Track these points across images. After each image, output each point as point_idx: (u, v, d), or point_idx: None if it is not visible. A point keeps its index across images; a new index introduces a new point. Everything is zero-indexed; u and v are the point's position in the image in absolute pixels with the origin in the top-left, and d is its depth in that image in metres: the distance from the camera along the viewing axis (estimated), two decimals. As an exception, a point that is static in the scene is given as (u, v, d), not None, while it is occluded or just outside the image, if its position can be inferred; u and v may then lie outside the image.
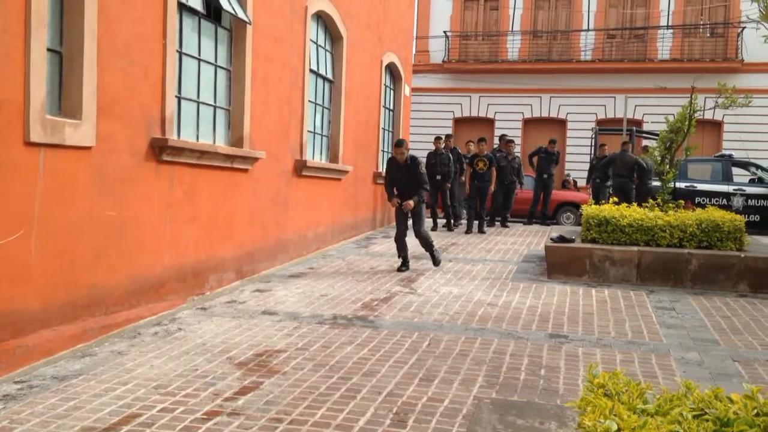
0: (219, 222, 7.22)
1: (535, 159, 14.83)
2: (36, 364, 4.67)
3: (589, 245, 8.36)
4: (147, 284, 6.04)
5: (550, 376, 4.74)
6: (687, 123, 10.14)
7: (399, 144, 8.66)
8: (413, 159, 8.59)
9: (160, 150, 6.07)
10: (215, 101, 7.33)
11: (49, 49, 4.88)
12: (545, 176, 14.58)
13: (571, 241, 8.58)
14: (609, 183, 14.70)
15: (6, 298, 4.50)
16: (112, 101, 5.47)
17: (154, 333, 5.58)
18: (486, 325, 6.08)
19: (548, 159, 14.60)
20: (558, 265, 8.35)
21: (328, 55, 10.59)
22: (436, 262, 8.79)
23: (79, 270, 5.18)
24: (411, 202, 8.44)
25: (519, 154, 14.76)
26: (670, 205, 9.68)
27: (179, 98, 6.62)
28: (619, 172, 13.07)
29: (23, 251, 4.62)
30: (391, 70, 13.94)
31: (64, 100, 5.13)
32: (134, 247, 5.83)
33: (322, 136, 10.50)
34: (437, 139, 13.07)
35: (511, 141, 14.01)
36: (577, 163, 21.64)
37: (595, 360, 5.15)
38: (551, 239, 8.72)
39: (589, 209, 8.89)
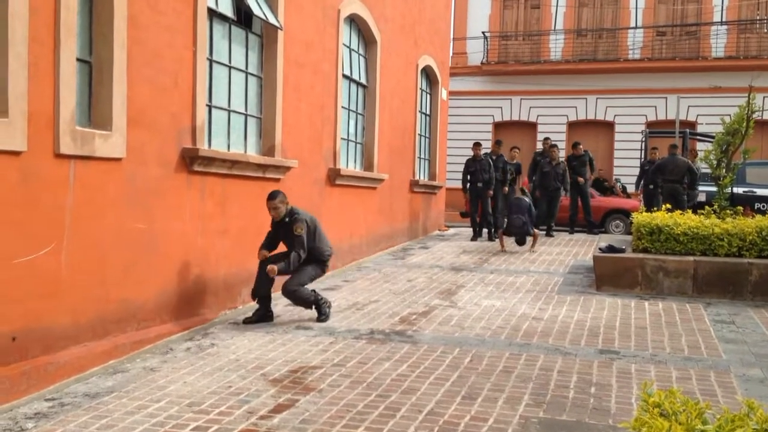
0: (251, 234, 7.30)
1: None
2: (67, 380, 4.78)
3: (640, 255, 8.24)
4: (178, 298, 6.14)
5: (601, 394, 4.68)
6: (745, 124, 9.94)
7: (271, 197, 6.62)
8: (291, 215, 6.65)
9: (190, 160, 6.18)
10: (246, 109, 7.44)
11: (78, 59, 5.02)
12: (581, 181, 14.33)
13: (622, 251, 8.47)
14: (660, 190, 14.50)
15: (36, 314, 4.62)
16: (141, 111, 5.60)
17: (187, 349, 5.67)
18: (531, 341, 6.03)
19: (580, 163, 14.34)
20: (607, 276, 8.25)
21: (362, 60, 10.67)
22: (321, 315, 6.71)
23: (110, 284, 5.29)
24: (274, 268, 6.44)
25: (563, 159, 14.58)
26: (728, 211, 9.49)
27: (210, 107, 6.74)
28: (670, 177, 12.86)
29: (54, 265, 4.75)
30: (428, 73, 13.98)
31: (94, 110, 5.26)
32: (165, 260, 5.93)
33: (356, 143, 10.57)
34: (476, 144, 13.06)
35: (555, 145, 13.91)
36: (625, 168, 21.37)
37: (649, 377, 5.07)
38: (600, 249, 8.62)
39: (640, 217, 8.77)
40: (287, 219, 6.65)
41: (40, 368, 4.59)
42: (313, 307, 6.70)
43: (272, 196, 6.62)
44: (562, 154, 15.62)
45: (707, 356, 5.64)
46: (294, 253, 6.54)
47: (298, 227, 6.57)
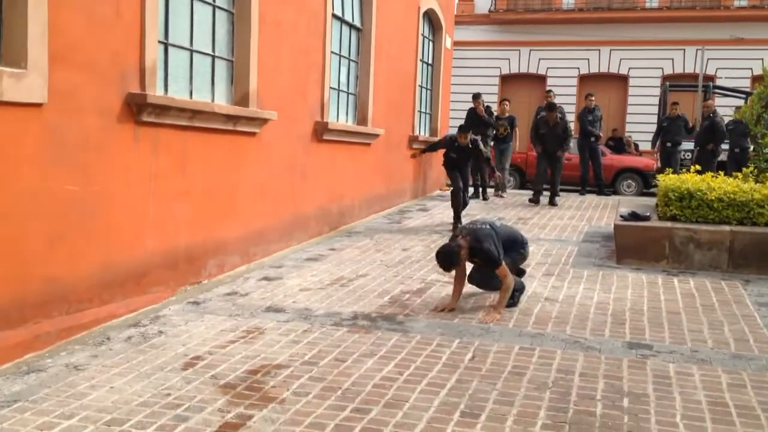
0: (219, 196, 6.28)
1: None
2: (-35, 384, 3.81)
3: (668, 224, 7.20)
4: (124, 274, 5.14)
5: (637, 408, 3.71)
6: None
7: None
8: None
9: (138, 108, 5.11)
10: (214, 50, 6.33)
11: (-23, -24, 3.94)
12: (592, 139, 13.19)
13: (646, 218, 7.43)
14: (680, 148, 13.45)
15: None
16: (71, 46, 4.52)
17: (127, 338, 4.68)
18: (545, 329, 5.05)
19: (595, 117, 13.12)
20: (630, 247, 7.23)
21: (355, -2, 9.49)
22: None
23: (29, 260, 4.29)
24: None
25: (564, 117, 13.34)
26: None
27: (165, 44, 5.64)
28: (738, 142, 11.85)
29: (-55, 239, 3.74)
30: (431, 18, 12.76)
31: (5, 43, 4.18)
32: (105, 230, 4.92)
33: (347, 94, 9.45)
34: (476, 97, 12.06)
35: (553, 105, 12.41)
36: (639, 124, 20.25)
37: (692, 382, 4.10)
38: (621, 216, 7.57)
39: (668, 180, 7.71)
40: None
41: (-76, 371, 3.62)
42: None
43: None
44: (572, 109, 14.28)
45: (759, 353, 4.64)
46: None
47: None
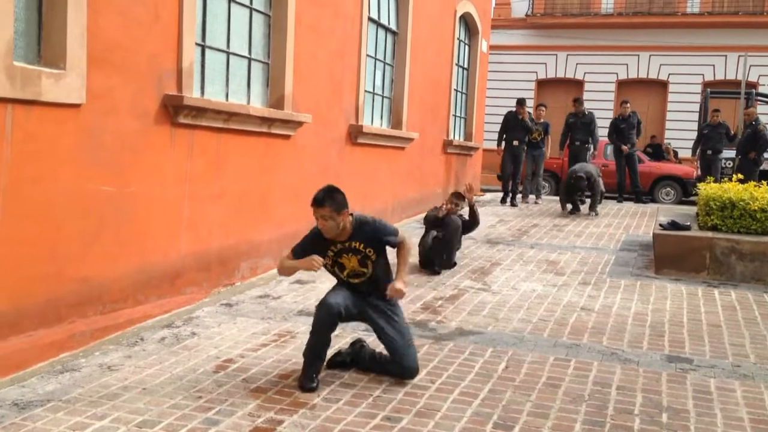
0: (253, 199, 6.29)
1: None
2: (0, 381, 3.84)
3: (709, 234, 7.04)
4: (158, 275, 5.16)
5: (676, 424, 3.61)
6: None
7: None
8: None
9: (175, 110, 5.14)
10: (250, 52, 6.35)
11: (20, -22, 3.99)
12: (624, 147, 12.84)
13: (687, 227, 7.27)
14: (721, 156, 13.18)
15: (-41, 299, 3.68)
16: (109, 48, 4.55)
17: (161, 339, 4.70)
18: (581, 340, 4.95)
19: (629, 125, 12.85)
20: (669, 257, 7.08)
21: (392, 2, 9.45)
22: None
23: (65, 260, 4.32)
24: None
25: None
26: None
27: (202, 47, 5.67)
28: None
29: (-16, 237, 3.78)
30: (467, 21, 12.69)
31: (45, 44, 4.22)
32: (140, 231, 4.94)
33: (382, 97, 9.43)
34: (520, 103, 11.93)
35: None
36: (678, 131, 19.90)
37: (734, 398, 3.98)
38: (661, 225, 7.42)
39: (709, 189, 7.54)
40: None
41: (-40, 367, 3.67)
42: None
43: None
44: (609, 115, 13.97)
45: (804, 370, 4.50)
46: None
47: None
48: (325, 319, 3.96)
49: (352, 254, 4.15)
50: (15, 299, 3.99)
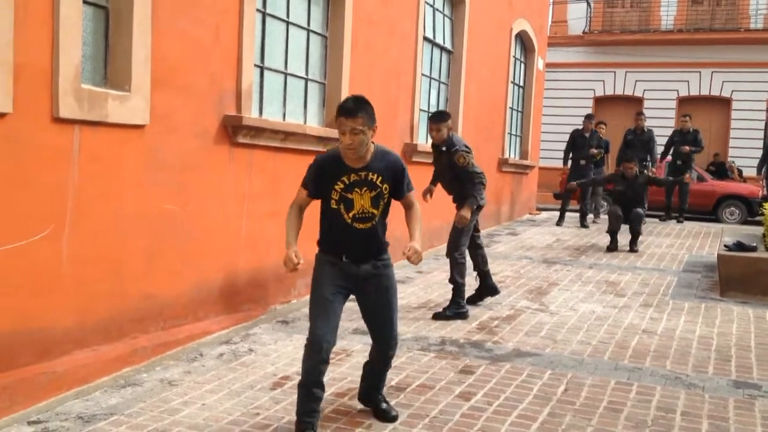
0: (307, 217, 6.33)
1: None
2: (65, 394, 3.96)
3: (777, 255, 6.83)
4: (218, 292, 5.26)
5: (745, 453, 3.49)
6: None
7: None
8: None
9: (234, 130, 5.26)
10: (307, 73, 6.45)
11: (90, 2, 4.15)
12: (678, 163, 12.42)
13: (753, 249, 7.06)
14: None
15: (28, 313, 3.80)
16: (171, 70, 4.69)
17: (219, 355, 4.78)
18: (643, 363, 4.83)
19: (683, 140, 12.49)
20: (735, 279, 6.87)
21: (447, 21, 9.50)
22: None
23: (128, 277, 4.44)
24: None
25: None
26: None
27: (261, 68, 5.79)
28: None
29: (52, 254, 3.91)
30: (523, 39, 12.64)
31: (111, 67, 4.38)
32: (201, 248, 5.05)
33: (438, 116, 9.44)
34: (589, 118, 11.85)
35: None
36: (742, 149, 19.36)
37: (807, 427, 3.82)
38: (726, 246, 7.22)
39: (777, 208, 7.32)
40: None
41: (29, 380, 3.77)
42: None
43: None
44: (670, 133, 13.54)
45: None
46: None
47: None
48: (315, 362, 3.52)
49: (366, 189, 3.52)
50: (80, 316, 4.11)
